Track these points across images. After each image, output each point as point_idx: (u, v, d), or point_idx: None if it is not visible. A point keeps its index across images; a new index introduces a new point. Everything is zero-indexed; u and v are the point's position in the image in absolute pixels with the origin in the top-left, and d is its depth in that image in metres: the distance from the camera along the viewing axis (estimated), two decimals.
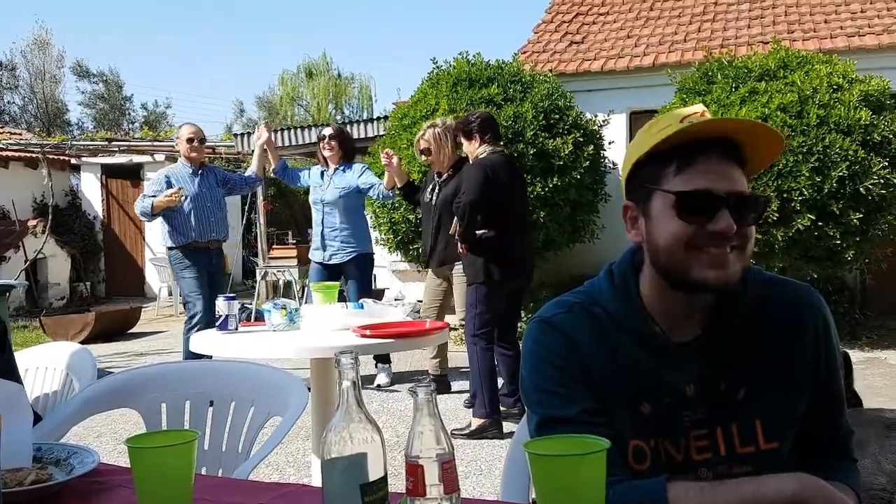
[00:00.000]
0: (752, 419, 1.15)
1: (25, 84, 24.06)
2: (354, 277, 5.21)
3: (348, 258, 5.20)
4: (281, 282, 9.87)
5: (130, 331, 8.66)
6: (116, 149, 12.61)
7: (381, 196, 5.09)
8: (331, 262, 5.23)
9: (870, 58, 7.53)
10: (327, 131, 5.31)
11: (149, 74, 57.12)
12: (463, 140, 4.41)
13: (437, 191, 4.68)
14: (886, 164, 5.97)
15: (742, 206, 1.08)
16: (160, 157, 12.08)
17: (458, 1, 57.29)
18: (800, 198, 5.90)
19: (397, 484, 1.04)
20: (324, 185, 5.24)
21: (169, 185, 5.07)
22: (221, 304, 2.71)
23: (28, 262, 10.62)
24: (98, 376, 2.07)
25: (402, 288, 9.73)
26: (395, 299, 9.43)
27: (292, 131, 10.51)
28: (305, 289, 8.06)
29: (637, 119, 8.42)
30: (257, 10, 53.67)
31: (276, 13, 53.75)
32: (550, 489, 0.87)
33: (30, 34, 27.21)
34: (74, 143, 13.05)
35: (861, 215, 5.94)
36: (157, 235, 8.56)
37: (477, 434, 4.13)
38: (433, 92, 7.29)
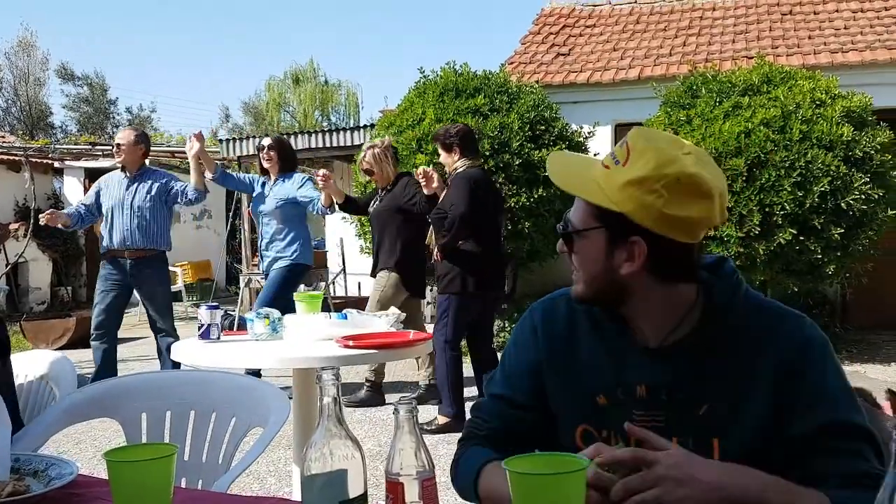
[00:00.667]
0: (711, 437, 1.15)
1: (9, 86, 23.82)
2: (270, 280, 5.07)
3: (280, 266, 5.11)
4: None
5: None
6: (100, 153, 12.51)
7: (319, 212, 5.01)
8: (269, 272, 5.18)
9: (852, 74, 7.63)
10: (266, 141, 5.25)
11: (137, 78, 56.98)
12: (441, 152, 4.46)
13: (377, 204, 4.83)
14: (867, 179, 6.03)
15: (568, 234, 1.20)
16: None
17: (447, 11, 57.58)
18: (782, 212, 5.96)
19: (381, 495, 1.04)
20: (263, 195, 5.23)
21: (98, 193, 5.14)
22: (203, 313, 2.69)
23: (9, 266, 10.49)
24: (79, 382, 2.04)
25: None
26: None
27: None
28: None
29: (622, 131, 8.47)
30: (247, 13, 53.69)
31: (265, 17, 53.77)
32: None
33: (14, 36, 26.96)
34: (58, 146, 12.94)
35: (842, 230, 6.00)
36: None
37: (440, 431, 4.24)
38: (420, 101, 7.30)
